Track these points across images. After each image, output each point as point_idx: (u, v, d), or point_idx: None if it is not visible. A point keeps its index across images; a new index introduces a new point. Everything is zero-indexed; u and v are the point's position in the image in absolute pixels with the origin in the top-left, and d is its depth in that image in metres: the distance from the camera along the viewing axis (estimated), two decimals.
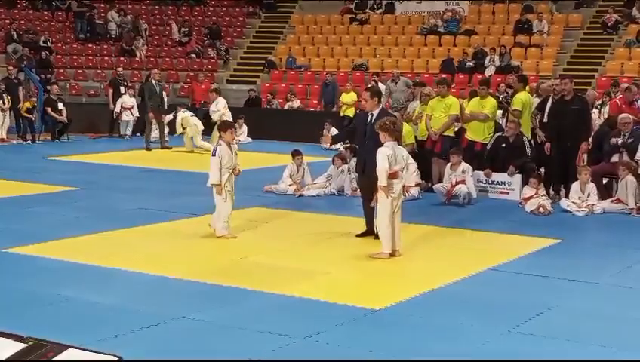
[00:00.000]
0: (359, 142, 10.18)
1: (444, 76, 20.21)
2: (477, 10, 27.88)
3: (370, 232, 10.00)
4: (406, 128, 13.84)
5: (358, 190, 13.20)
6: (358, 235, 10.13)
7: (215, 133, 19.49)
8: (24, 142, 20.89)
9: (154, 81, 20.13)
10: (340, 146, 19.64)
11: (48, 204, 12.19)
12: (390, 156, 8.93)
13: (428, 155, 13.80)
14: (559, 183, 12.98)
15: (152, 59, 27.85)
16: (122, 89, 22.53)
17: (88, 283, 7.77)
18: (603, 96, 17.51)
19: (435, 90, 14.25)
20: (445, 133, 13.68)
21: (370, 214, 10.00)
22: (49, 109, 21.20)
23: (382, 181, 8.94)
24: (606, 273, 8.58)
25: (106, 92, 23.62)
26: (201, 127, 19.79)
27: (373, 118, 9.92)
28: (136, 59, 27.73)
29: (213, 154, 9.98)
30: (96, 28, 28.86)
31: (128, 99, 22.24)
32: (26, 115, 21.04)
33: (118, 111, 22.24)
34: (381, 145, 9.11)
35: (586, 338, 6.41)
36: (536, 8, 26.72)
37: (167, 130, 20.99)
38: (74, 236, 9.78)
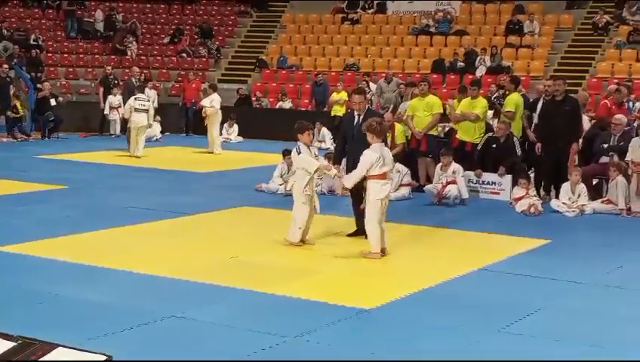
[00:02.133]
0: (348, 143, 10.12)
1: (425, 75, 20.23)
2: (468, 10, 27.90)
3: (361, 232, 10.01)
4: (398, 128, 13.87)
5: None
6: (349, 235, 10.14)
7: (211, 132, 19.46)
8: (15, 141, 20.81)
9: (134, 79, 19.82)
10: (330, 146, 19.69)
11: (38, 202, 12.15)
12: (377, 159, 8.94)
13: (415, 155, 13.83)
14: (549, 184, 13.01)
15: (142, 57, 27.78)
16: (115, 88, 22.47)
17: (78, 282, 7.75)
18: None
19: (417, 89, 14.22)
20: (430, 132, 13.70)
21: (360, 214, 10.02)
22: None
23: (348, 183, 9.16)
24: (596, 273, 8.60)
25: (97, 90, 23.59)
26: (144, 123, 18.07)
27: (360, 118, 9.94)
28: (127, 57, 27.66)
29: (299, 152, 9.60)
30: (85, 26, 28.76)
31: (114, 98, 22.18)
32: (14, 115, 20.97)
33: (107, 111, 22.18)
34: (369, 145, 9.16)
35: (575, 338, 6.43)
36: (527, 9, 26.77)
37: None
38: (64, 234, 9.75)
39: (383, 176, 8.99)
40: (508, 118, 13.72)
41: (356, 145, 9.78)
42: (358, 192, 9.94)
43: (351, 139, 10.04)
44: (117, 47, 27.87)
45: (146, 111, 18.06)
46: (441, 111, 13.78)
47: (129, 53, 27.77)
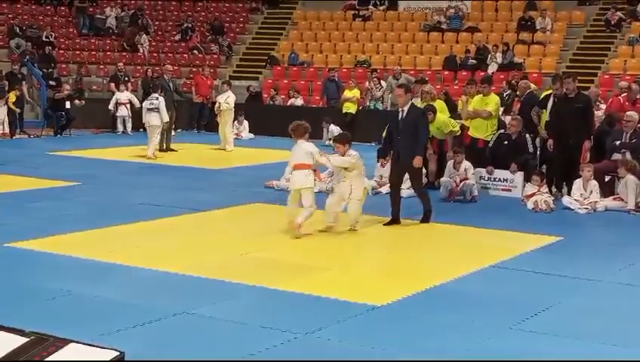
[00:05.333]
0: (393, 137, 10.81)
1: (437, 71, 20.11)
2: (480, 6, 27.85)
3: (396, 221, 10.53)
4: None
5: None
6: (385, 224, 10.52)
7: (224, 130, 19.42)
8: (28, 137, 20.90)
9: (167, 77, 19.73)
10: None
11: (50, 199, 12.21)
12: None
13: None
14: (561, 180, 12.97)
15: (154, 54, 27.84)
16: (121, 85, 22.52)
17: (90, 278, 7.78)
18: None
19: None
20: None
21: (397, 204, 10.65)
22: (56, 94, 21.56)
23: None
24: (608, 271, 8.58)
25: (109, 88, 23.68)
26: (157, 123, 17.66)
27: (404, 114, 10.56)
28: (139, 54, 27.73)
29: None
30: (97, 23, 28.87)
31: (122, 95, 22.23)
32: (13, 107, 20.99)
33: (111, 108, 22.22)
34: (415, 138, 10.31)
35: (587, 336, 6.41)
36: (539, 5, 26.69)
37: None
38: (76, 231, 9.79)
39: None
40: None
41: (401, 140, 10.54)
42: (399, 183, 10.83)
43: (396, 132, 10.68)
44: (127, 44, 27.89)
45: (156, 110, 17.62)
46: (451, 127, 13.78)
47: (141, 50, 27.81)
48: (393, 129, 10.80)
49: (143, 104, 18.11)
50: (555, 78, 14.05)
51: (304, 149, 9.94)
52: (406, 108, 10.62)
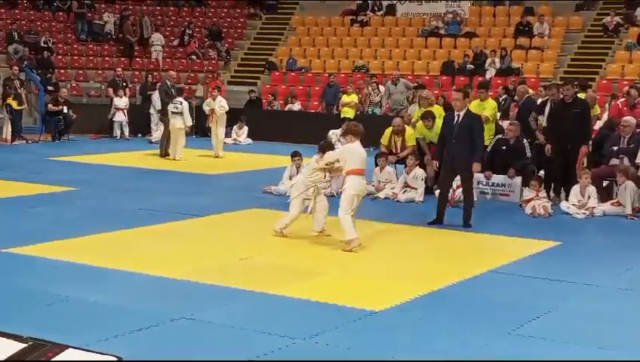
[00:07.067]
0: (447, 142, 11.03)
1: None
2: (478, 12, 27.88)
3: (440, 221, 10.95)
4: (409, 131, 13.88)
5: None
6: (429, 223, 10.98)
7: (220, 135, 19.35)
8: (26, 142, 20.88)
9: (169, 83, 19.72)
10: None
11: (49, 204, 12.20)
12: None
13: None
14: (559, 186, 12.98)
15: (153, 60, 27.84)
16: (120, 90, 22.57)
17: (88, 284, 7.77)
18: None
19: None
20: None
21: (444, 207, 11.02)
22: (50, 105, 21.44)
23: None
24: (605, 275, 8.59)
25: (107, 93, 23.69)
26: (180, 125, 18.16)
27: (460, 118, 10.85)
28: (137, 60, 27.73)
29: None
30: (96, 28, 28.87)
31: (119, 101, 22.28)
32: (19, 107, 21.03)
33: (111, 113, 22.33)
34: (470, 143, 10.51)
35: (585, 341, 6.42)
36: (536, 11, 26.73)
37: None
38: (74, 236, 9.78)
39: (358, 171, 9.58)
40: None
41: (456, 144, 10.75)
42: (448, 186, 11.23)
43: (450, 136, 10.89)
44: (128, 35, 27.83)
45: (180, 113, 18.10)
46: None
47: (154, 53, 27.80)
48: (447, 133, 11.02)
49: (169, 108, 18.34)
50: (550, 85, 14.10)
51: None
52: (462, 113, 10.88)
